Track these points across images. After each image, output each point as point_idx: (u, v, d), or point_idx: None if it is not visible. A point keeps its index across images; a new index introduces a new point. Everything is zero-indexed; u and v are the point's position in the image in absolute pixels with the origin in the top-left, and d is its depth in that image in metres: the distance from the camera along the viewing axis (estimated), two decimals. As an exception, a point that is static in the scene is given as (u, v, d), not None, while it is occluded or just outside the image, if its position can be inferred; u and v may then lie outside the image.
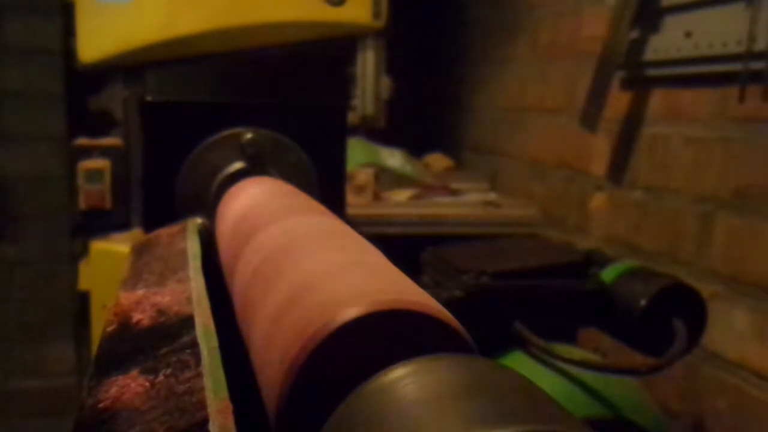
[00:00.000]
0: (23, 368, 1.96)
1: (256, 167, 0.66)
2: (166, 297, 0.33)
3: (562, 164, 1.50)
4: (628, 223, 1.25)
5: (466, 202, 1.58)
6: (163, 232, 0.50)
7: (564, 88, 1.51)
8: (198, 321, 0.29)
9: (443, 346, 0.22)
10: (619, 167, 1.28)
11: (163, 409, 0.24)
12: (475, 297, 0.71)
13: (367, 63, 1.53)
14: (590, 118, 1.26)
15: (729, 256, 1.00)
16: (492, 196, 1.66)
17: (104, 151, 1.42)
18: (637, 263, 0.78)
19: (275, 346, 0.24)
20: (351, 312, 0.23)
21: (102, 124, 1.50)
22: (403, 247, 0.53)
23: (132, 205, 1.41)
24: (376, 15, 1.43)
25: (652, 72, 1.17)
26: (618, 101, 1.26)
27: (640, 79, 1.21)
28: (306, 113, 0.73)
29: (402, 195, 1.56)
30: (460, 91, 2.19)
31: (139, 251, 0.46)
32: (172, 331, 0.29)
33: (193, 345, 0.27)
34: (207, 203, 0.65)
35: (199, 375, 0.25)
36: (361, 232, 0.35)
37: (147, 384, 0.26)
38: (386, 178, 1.63)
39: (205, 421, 0.22)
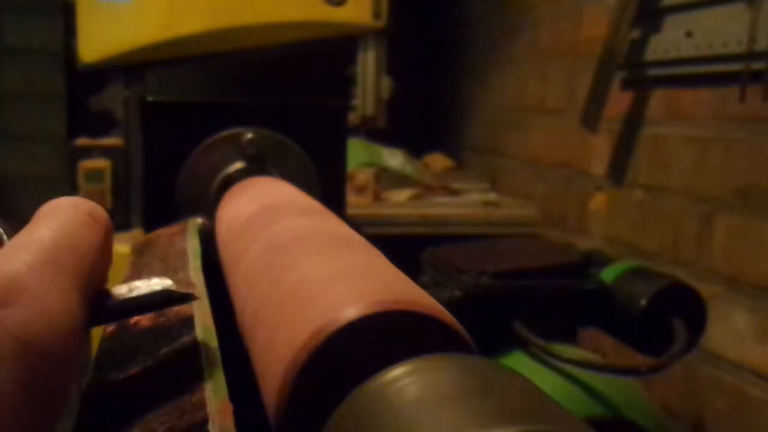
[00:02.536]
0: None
1: (256, 167, 0.66)
2: (166, 297, 0.33)
3: (562, 164, 1.50)
4: (629, 223, 1.25)
5: (466, 202, 1.58)
6: (163, 232, 0.50)
7: (564, 88, 1.51)
8: (198, 321, 0.29)
9: (443, 346, 0.22)
10: (619, 167, 1.28)
11: (163, 409, 0.24)
12: (475, 297, 0.71)
13: (368, 63, 1.53)
14: (590, 118, 1.26)
15: (729, 256, 1.00)
16: (492, 196, 1.66)
17: (104, 151, 1.42)
18: (637, 263, 0.78)
19: (275, 345, 0.24)
20: (351, 312, 0.23)
21: (102, 124, 1.50)
22: (403, 247, 0.53)
23: (132, 205, 1.41)
24: (376, 15, 1.44)
25: (653, 72, 1.17)
26: (618, 101, 1.26)
27: (641, 79, 1.21)
28: (306, 113, 0.73)
29: (402, 195, 1.56)
30: (460, 91, 2.19)
31: (139, 251, 0.46)
32: (172, 331, 0.29)
33: (193, 345, 0.28)
34: (207, 203, 0.65)
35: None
36: (361, 233, 0.35)
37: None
38: (386, 178, 1.63)
39: (205, 421, 0.22)
